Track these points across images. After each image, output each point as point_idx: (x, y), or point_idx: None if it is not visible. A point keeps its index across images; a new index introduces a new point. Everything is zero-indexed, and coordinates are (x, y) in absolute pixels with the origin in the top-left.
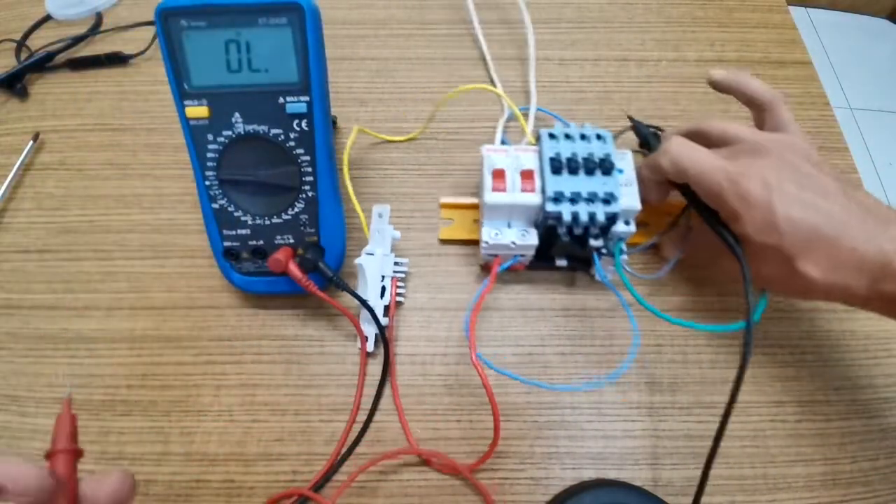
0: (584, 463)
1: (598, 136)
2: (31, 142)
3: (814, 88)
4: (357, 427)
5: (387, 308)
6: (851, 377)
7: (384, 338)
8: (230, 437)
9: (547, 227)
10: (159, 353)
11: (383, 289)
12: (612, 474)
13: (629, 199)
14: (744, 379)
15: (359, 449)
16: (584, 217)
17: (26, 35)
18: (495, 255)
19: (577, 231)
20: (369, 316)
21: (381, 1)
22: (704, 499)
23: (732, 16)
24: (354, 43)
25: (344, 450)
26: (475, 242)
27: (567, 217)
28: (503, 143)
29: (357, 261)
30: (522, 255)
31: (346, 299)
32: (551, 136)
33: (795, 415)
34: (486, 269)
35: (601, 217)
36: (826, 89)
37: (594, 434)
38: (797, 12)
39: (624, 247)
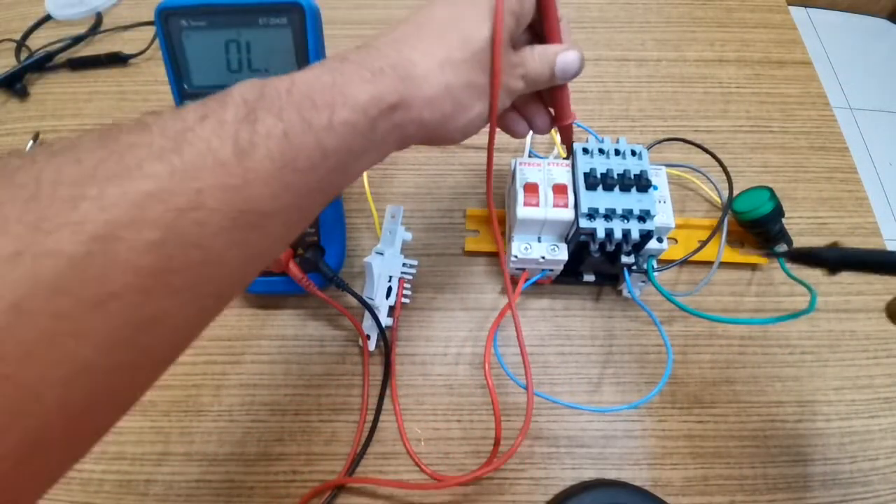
0: (584, 463)
1: (633, 152)
2: (31, 141)
3: (814, 88)
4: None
5: (392, 308)
6: (851, 377)
7: (385, 338)
8: (230, 437)
9: (578, 243)
10: None
11: (390, 289)
12: (612, 474)
13: (664, 216)
14: None
15: (368, 448)
16: (617, 234)
17: (26, 35)
18: (523, 269)
19: (610, 248)
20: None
21: (381, 1)
22: (704, 499)
23: (732, 16)
24: (354, 43)
25: (359, 448)
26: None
27: (601, 234)
28: (531, 154)
29: (365, 260)
30: (550, 270)
31: (348, 299)
32: (585, 150)
33: (795, 415)
34: (511, 280)
35: (635, 234)
36: (826, 89)
37: (594, 434)
38: (797, 12)
39: (655, 264)
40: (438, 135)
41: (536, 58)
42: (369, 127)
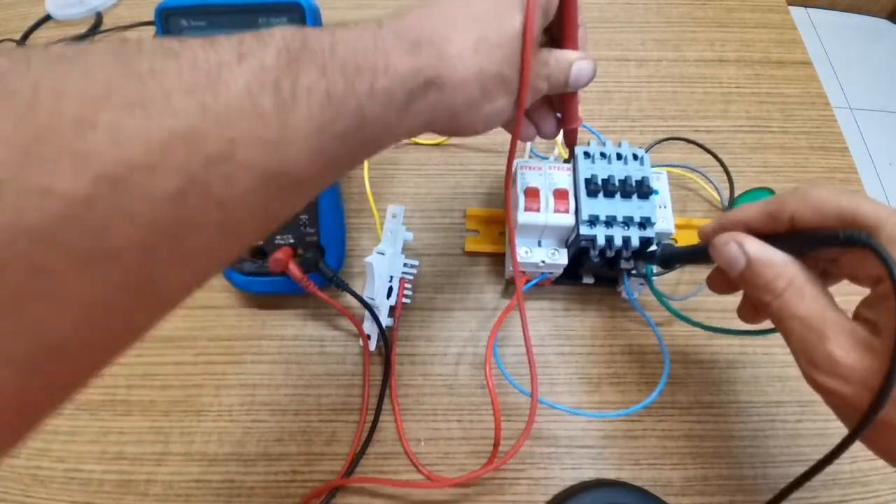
0: (584, 463)
1: (635, 156)
2: None
3: (814, 88)
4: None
5: (392, 308)
6: None
7: (385, 338)
8: (230, 437)
9: (578, 249)
10: (159, 353)
11: (391, 289)
12: (612, 474)
13: (664, 222)
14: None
15: (367, 448)
16: (618, 241)
17: (26, 35)
18: (523, 273)
19: (610, 254)
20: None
21: (381, 1)
22: (704, 499)
23: (732, 16)
24: None
25: (358, 449)
26: (500, 254)
27: (601, 241)
28: (531, 154)
29: (367, 259)
30: (550, 273)
31: (348, 299)
32: (587, 154)
33: (795, 415)
34: (511, 281)
35: (635, 242)
36: (826, 89)
37: (594, 434)
38: (797, 12)
39: (655, 269)
40: (462, 122)
41: (553, 62)
42: (406, 101)
